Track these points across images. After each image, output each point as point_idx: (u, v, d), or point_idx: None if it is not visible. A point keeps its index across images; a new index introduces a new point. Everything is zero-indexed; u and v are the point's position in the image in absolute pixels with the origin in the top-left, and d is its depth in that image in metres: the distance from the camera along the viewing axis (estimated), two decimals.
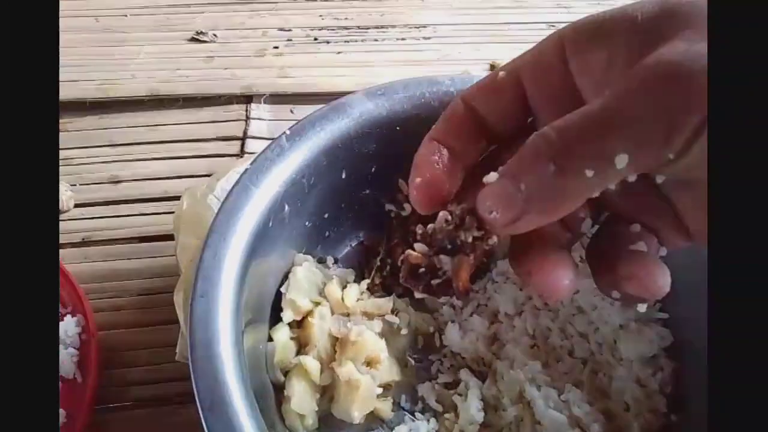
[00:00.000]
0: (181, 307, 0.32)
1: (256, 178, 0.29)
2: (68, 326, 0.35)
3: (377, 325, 0.31)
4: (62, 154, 0.43)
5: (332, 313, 0.32)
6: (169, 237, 0.40)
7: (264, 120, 0.46)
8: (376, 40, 0.52)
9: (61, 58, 0.46)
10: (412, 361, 0.32)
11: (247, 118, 0.46)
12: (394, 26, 0.53)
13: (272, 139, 0.45)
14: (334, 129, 0.32)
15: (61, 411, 0.32)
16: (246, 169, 0.30)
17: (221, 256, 0.26)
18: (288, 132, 0.31)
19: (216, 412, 0.21)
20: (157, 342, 0.36)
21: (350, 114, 0.32)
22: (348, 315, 0.32)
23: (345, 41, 0.51)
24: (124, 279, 0.39)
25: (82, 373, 0.34)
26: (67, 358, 0.34)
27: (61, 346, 0.35)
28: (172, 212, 0.41)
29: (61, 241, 0.40)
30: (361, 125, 0.32)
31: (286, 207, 0.31)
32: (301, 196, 0.32)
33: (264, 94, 0.47)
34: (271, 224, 0.30)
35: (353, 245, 0.38)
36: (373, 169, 0.35)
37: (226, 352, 0.23)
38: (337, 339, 0.31)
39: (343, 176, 0.34)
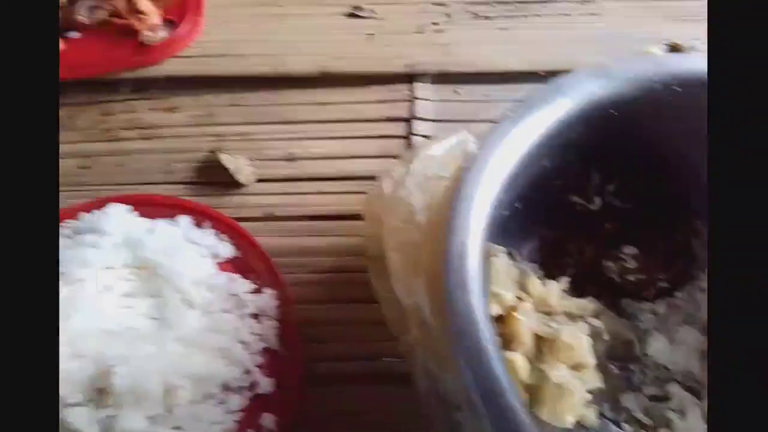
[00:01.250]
0: (387, 289, 0.33)
1: (484, 164, 0.29)
2: (266, 299, 0.38)
3: (583, 327, 0.31)
4: (241, 129, 0.45)
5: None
6: (349, 217, 0.42)
7: (429, 101, 0.46)
8: (538, 15, 0.50)
9: (227, 32, 0.49)
10: (615, 369, 0.32)
11: (413, 98, 0.46)
12: (556, 0, 0.51)
13: (438, 120, 0.46)
14: (554, 113, 0.30)
15: (272, 380, 0.35)
16: (475, 156, 0.29)
17: (466, 245, 0.26)
18: (510, 114, 0.30)
19: (493, 403, 0.22)
20: (356, 319, 0.38)
21: (570, 95, 0.30)
22: (549, 314, 0.32)
23: (506, 17, 0.49)
24: (308, 255, 0.41)
25: (284, 346, 0.37)
26: (269, 330, 0.37)
27: (263, 318, 0.37)
28: (348, 192, 0.43)
29: (244, 215, 0.42)
30: (581, 109, 0.31)
31: (498, 197, 0.31)
32: (510, 185, 0.32)
33: (428, 74, 0.47)
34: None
35: (535, 239, 0.38)
36: (571, 158, 0.35)
37: (489, 344, 0.24)
38: (539, 338, 0.31)
39: (546, 164, 0.33)
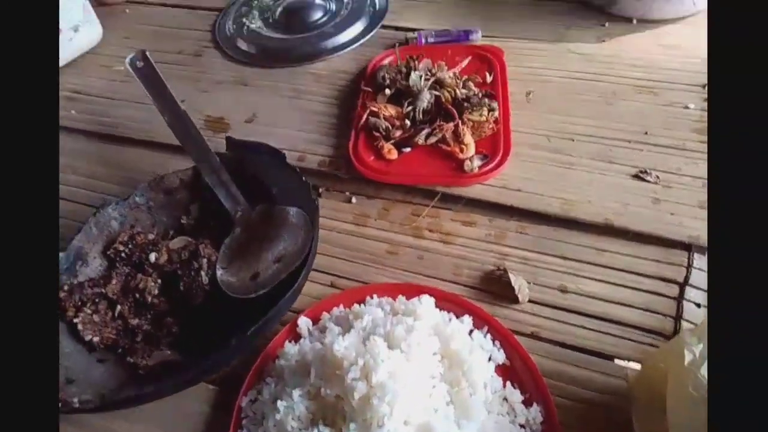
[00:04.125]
0: None
1: None
2: (534, 413, 0.43)
3: None
4: (523, 254, 0.53)
5: None
6: (606, 356, 0.46)
7: (704, 271, 0.49)
8: None
9: (525, 170, 0.58)
10: None
11: (689, 265, 0.50)
12: None
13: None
14: None
15: None
16: None
17: None
18: None
19: None
20: None
21: None
22: None
23: None
24: (565, 382, 0.45)
25: None
26: None
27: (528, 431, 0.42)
28: (609, 333, 0.47)
29: (513, 328, 0.48)
30: None
31: None
32: None
33: (706, 247, 0.50)
34: None
35: None
36: None
37: None
38: None
39: None
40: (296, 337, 0.48)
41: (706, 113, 0.61)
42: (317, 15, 0.83)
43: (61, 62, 0.82)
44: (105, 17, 0.87)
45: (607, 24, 0.74)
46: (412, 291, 0.49)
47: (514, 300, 0.50)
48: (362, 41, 0.78)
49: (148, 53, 0.57)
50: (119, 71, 0.80)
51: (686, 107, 0.62)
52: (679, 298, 0.48)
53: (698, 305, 0.48)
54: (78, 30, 0.81)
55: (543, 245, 0.53)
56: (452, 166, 0.58)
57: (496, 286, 0.51)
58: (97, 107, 0.75)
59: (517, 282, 0.50)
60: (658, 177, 0.56)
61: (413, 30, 0.77)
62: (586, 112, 0.64)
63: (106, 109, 0.75)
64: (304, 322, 0.48)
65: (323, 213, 0.57)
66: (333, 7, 0.85)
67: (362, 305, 0.49)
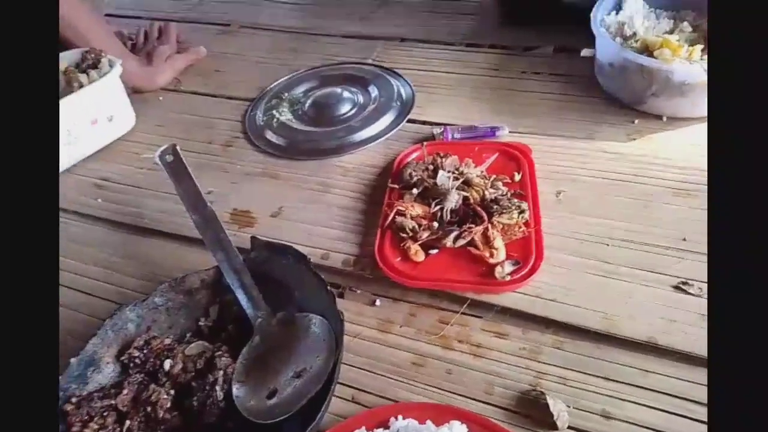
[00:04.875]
0: None
1: None
2: None
3: None
4: (561, 372, 0.49)
5: None
6: None
7: None
8: None
9: (560, 278, 0.55)
10: None
11: None
12: None
13: None
14: None
15: None
16: None
17: None
18: None
19: None
20: None
21: None
22: None
23: None
24: None
25: None
26: None
27: None
28: None
29: None
30: None
31: None
32: None
33: None
34: None
35: None
36: None
37: None
38: None
39: None
40: None
41: None
42: (345, 108, 0.85)
43: (93, 149, 0.84)
44: (139, 104, 0.89)
45: (636, 121, 0.73)
46: (443, 414, 0.45)
47: (552, 426, 0.45)
48: (389, 135, 0.79)
49: (178, 147, 0.57)
50: (148, 159, 0.81)
51: None
52: None
53: None
54: (112, 119, 0.84)
55: (582, 363, 0.49)
56: (482, 271, 0.56)
57: (532, 409, 0.47)
58: (124, 196, 0.76)
59: (556, 407, 0.46)
60: (701, 289, 0.53)
61: (439, 124, 0.78)
62: (620, 215, 0.61)
63: (132, 198, 0.75)
64: None
65: (346, 316, 0.55)
66: (361, 99, 0.86)
67: (386, 429, 0.45)
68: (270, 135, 0.82)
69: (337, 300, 0.51)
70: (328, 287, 0.50)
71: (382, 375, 0.51)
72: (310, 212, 0.69)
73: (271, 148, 0.80)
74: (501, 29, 0.96)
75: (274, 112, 0.86)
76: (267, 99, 0.90)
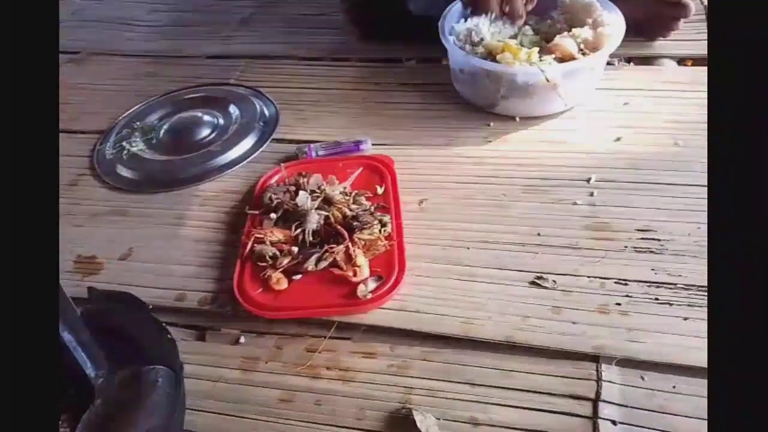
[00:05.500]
0: None
1: None
2: None
3: None
4: (430, 384, 0.49)
5: None
6: None
7: (615, 384, 0.47)
8: None
9: (422, 289, 0.55)
10: None
11: (599, 379, 0.47)
12: None
13: (623, 405, 0.46)
14: None
15: None
16: None
17: None
18: None
19: None
20: None
21: None
22: None
23: (688, 305, 0.52)
24: None
25: None
26: None
27: None
28: None
29: None
30: None
31: None
32: None
33: (615, 357, 0.48)
34: None
35: None
36: None
37: None
38: None
39: None
40: None
41: (594, 208, 0.62)
42: (204, 132, 0.80)
43: None
44: None
45: (491, 124, 0.76)
46: None
47: None
48: (252, 157, 0.75)
49: None
50: None
51: (575, 203, 0.63)
52: (594, 417, 0.45)
53: (614, 422, 0.45)
54: None
55: (449, 372, 0.49)
56: (346, 292, 0.54)
57: (402, 429, 0.46)
58: None
59: (425, 422, 0.45)
60: (554, 281, 0.55)
61: (306, 142, 0.76)
62: (479, 218, 0.63)
63: None
64: None
65: (206, 361, 0.51)
66: (221, 122, 0.82)
67: None
68: (120, 169, 0.76)
69: (198, 343, 0.48)
70: (169, 335, 0.46)
71: (248, 418, 0.48)
72: (163, 250, 0.64)
73: (121, 183, 0.74)
74: (365, 43, 0.97)
75: (125, 143, 0.79)
76: (117, 130, 0.83)
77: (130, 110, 0.87)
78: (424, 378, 0.49)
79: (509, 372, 0.49)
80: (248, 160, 0.75)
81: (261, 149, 0.77)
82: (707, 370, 0.30)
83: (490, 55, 0.73)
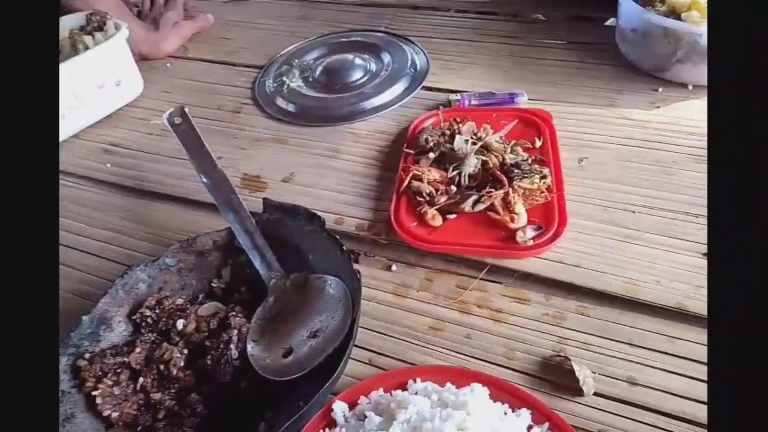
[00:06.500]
0: None
1: None
2: None
3: None
4: (585, 338, 0.48)
5: None
6: None
7: None
8: None
9: (583, 244, 0.53)
10: None
11: None
12: None
13: None
14: None
15: None
16: None
17: None
18: None
19: None
20: None
21: None
22: None
23: None
24: None
25: None
26: None
27: None
28: None
29: (576, 424, 0.42)
30: None
31: None
32: None
33: None
34: None
35: None
36: None
37: None
38: None
39: None
40: (330, 423, 0.43)
41: None
42: (357, 75, 0.83)
43: (100, 115, 0.82)
44: (146, 71, 0.87)
45: (660, 89, 0.71)
46: (462, 377, 0.44)
47: (578, 392, 0.44)
48: (402, 102, 0.77)
49: (186, 109, 0.55)
50: (156, 125, 0.79)
51: None
52: None
53: None
54: (120, 84, 0.82)
55: (606, 329, 0.48)
56: (502, 236, 0.54)
57: (555, 375, 0.46)
58: (133, 161, 0.74)
59: (582, 372, 0.44)
60: None
61: (455, 92, 0.75)
62: (644, 182, 0.59)
63: (141, 163, 0.74)
64: (339, 408, 0.43)
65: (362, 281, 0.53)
66: (373, 67, 0.84)
67: (405, 391, 0.44)
68: (280, 101, 0.80)
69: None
70: (344, 247, 0.49)
71: (399, 339, 0.50)
72: (322, 178, 0.67)
73: (281, 114, 0.78)
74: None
75: (284, 78, 0.84)
76: (276, 66, 0.87)
77: (287, 49, 0.91)
78: (579, 331, 0.48)
79: (674, 339, 0.46)
80: (399, 104, 0.76)
81: (411, 95, 0.78)
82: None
83: (674, 14, 0.68)
